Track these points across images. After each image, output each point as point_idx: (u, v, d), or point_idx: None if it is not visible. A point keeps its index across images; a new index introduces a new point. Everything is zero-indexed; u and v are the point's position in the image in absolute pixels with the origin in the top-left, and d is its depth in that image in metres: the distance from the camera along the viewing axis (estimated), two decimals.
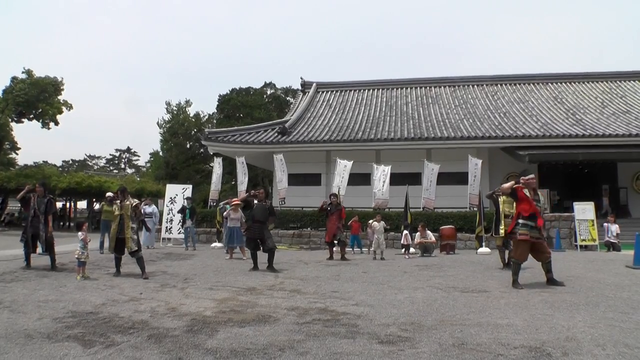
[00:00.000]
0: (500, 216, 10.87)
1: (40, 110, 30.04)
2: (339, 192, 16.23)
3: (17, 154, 45.67)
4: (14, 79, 29.76)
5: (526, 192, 8.45)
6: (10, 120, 29.29)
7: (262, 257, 11.00)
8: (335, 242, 13.78)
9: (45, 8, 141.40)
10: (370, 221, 15.07)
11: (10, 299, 7.01)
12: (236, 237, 13.49)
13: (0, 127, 27.54)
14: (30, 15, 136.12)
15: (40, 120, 30.76)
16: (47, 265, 10.41)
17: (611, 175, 24.30)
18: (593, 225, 17.25)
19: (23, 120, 30.61)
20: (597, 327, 5.34)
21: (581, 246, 17.08)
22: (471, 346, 4.64)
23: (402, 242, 14.77)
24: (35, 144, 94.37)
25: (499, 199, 11.08)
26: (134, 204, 10.03)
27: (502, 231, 10.66)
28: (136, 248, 9.61)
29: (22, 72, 29.79)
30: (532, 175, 8.84)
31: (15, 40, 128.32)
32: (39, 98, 29.26)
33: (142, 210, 16.58)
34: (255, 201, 11.33)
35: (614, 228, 16.88)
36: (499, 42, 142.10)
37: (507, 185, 8.79)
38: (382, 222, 14.11)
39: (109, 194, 15.97)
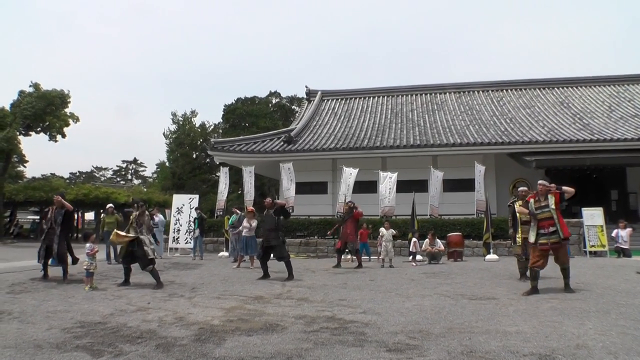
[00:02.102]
0: (518, 225, 10.37)
1: (47, 123, 30.20)
2: (345, 199, 16.22)
3: (25, 166, 45.91)
4: (21, 92, 29.97)
5: (531, 202, 8.46)
6: (18, 133, 29.46)
7: (272, 266, 11.01)
8: (347, 250, 13.81)
9: (49, 21, 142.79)
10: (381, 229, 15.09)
11: (19, 309, 7.04)
12: (251, 247, 13.39)
13: (8, 141, 27.65)
14: (34, 29, 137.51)
15: (48, 133, 30.92)
16: (57, 276, 10.45)
17: (620, 180, 24.14)
18: (602, 231, 17.13)
19: (31, 133, 30.77)
20: (608, 334, 5.29)
21: (590, 252, 16.96)
22: (480, 354, 4.61)
23: (410, 249, 14.72)
24: (42, 156, 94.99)
25: (515, 207, 10.74)
26: (136, 215, 9.97)
27: (519, 240, 10.37)
28: (153, 256, 9.62)
29: (30, 86, 30.04)
30: (542, 181, 8.81)
31: (20, 54, 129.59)
32: (46, 111, 29.43)
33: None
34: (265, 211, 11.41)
35: (624, 233, 16.75)
36: (504, 47, 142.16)
37: (525, 211, 8.83)
38: (391, 230, 14.08)
39: (110, 205, 16.08)
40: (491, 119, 26.34)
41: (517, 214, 10.20)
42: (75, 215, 37.13)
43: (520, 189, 10.45)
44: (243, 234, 13.58)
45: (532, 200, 8.56)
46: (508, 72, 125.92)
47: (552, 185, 8.72)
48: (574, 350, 4.68)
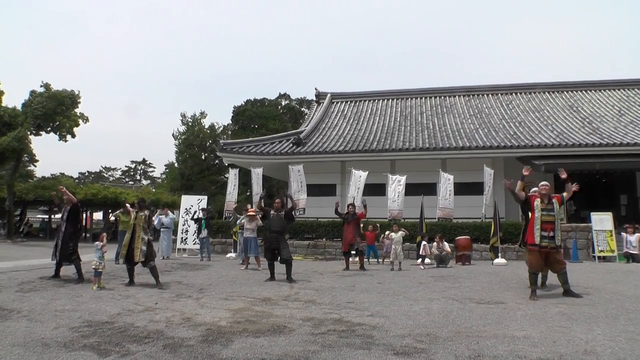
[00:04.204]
0: None
1: (57, 123, 30.31)
2: (354, 202, 16.20)
3: (35, 166, 46.25)
4: (32, 92, 30.12)
5: (537, 202, 8.43)
6: (28, 133, 29.62)
7: (279, 267, 11.02)
8: (353, 252, 13.77)
9: (59, 22, 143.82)
10: (387, 232, 15.06)
11: (28, 308, 7.09)
12: (252, 248, 13.47)
13: (19, 140, 27.78)
14: (44, 30, 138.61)
15: (58, 133, 31.05)
16: (66, 275, 10.51)
17: (630, 185, 23.95)
18: (611, 235, 17.03)
19: (41, 133, 30.90)
20: (617, 340, 5.26)
21: (599, 257, 16.84)
22: (488, 358, 4.60)
23: (420, 252, 14.68)
24: (52, 156, 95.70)
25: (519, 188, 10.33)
26: (147, 213, 10.15)
27: None
28: (143, 259, 9.67)
29: (41, 86, 30.19)
30: (546, 183, 8.76)
31: (31, 54, 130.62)
32: (56, 111, 29.54)
33: (157, 221, 16.75)
34: (272, 211, 11.42)
35: (633, 238, 16.62)
36: (513, 50, 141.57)
37: (518, 186, 8.80)
38: (401, 232, 14.04)
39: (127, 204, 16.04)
40: (500, 122, 26.23)
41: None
42: (84, 215, 37.54)
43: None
44: (244, 235, 13.62)
45: (537, 200, 8.52)
46: (517, 74, 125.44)
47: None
48: (582, 356, 4.65)
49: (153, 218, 16.51)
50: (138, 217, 10.00)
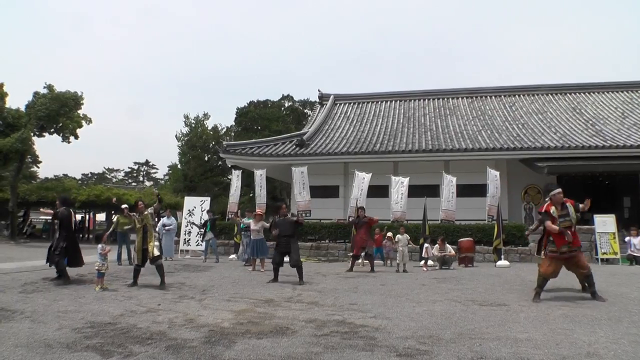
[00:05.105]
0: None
1: (60, 125, 30.36)
2: (357, 204, 16.17)
3: (38, 167, 46.40)
4: (36, 93, 30.17)
5: (552, 209, 8.32)
6: (32, 134, 29.66)
7: (282, 270, 11.02)
8: (362, 255, 13.79)
9: (61, 23, 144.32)
10: (390, 234, 15.05)
11: (31, 309, 7.11)
12: (260, 249, 13.41)
13: (23, 141, 27.82)
14: (47, 30, 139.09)
15: (61, 134, 31.08)
16: (69, 276, 10.52)
17: (633, 187, 23.89)
18: (614, 238, 16.97)
19: (44, 134, 30.94)
20: (619, 342, 5.24)
21: (602, 259, 16.79)
22: None
23: (423, 254, 14.66)
24: (55, 157, 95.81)
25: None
26: (150, 211, 10.16)
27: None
28: (159, 253, 9.81)
29: (44, 87, 30.23)
30: (558, 190, 8.53)
31: (33, 55, 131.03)
32: (59, 112, 29.57)
33: (161, 222, 16.78)
34: (277, 217, 11.53)
35: (637, 241, 16.55)
36: (516, 51, 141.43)
37: (555, 228, 8.31)
38: (406, 235, 14.07)
39: (125, 206, 16.06)
40: (503, 124, 26.19)
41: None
42: (87, 217, 37.63)
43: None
44: (252, 237, 13.58)
45: (552, 208, 8.39)
46: (520, 76, 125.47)
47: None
48: (585, 359, 4.65)
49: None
50: (145, 217, 9.98)
